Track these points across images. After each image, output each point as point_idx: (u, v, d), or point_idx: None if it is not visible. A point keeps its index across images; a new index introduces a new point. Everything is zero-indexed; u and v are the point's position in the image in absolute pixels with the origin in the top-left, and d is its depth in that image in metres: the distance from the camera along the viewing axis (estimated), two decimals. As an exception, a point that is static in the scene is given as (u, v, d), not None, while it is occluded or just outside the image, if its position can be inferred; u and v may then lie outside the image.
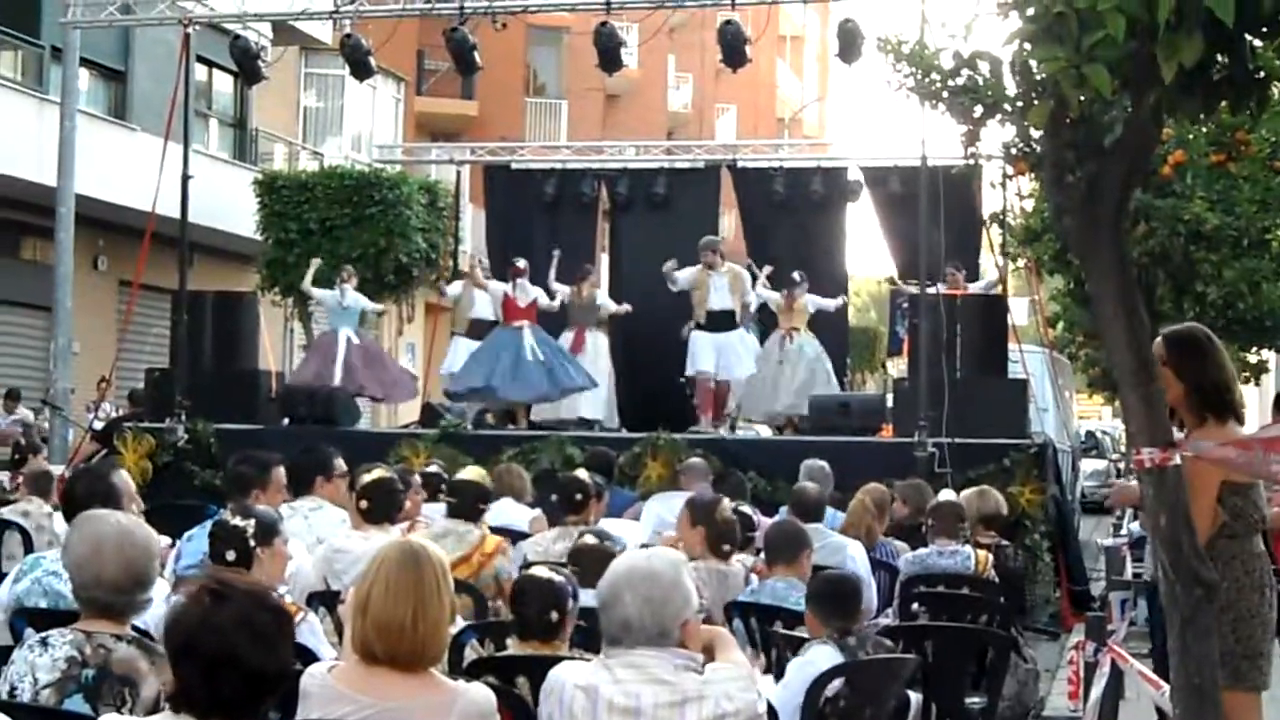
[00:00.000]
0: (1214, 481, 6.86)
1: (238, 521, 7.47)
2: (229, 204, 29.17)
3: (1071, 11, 5.31)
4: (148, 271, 22.50)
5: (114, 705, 5.48)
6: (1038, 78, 5.83)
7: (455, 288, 23.53)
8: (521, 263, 22.46)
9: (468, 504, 10.56)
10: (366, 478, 10.07)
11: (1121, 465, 37.22)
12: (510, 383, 21.29)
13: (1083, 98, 5.57)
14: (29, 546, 11.78)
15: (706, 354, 21.19)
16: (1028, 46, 5.84)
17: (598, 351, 22.53)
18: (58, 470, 19.09)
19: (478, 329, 22.54)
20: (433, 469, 13.78)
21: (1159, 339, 7.08)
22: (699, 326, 21.32)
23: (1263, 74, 5.78)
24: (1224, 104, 6.15)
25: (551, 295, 22.48)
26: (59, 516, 12.15)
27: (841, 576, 8.74)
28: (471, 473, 11.28)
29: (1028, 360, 21.60)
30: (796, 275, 22.36)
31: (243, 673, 4.30)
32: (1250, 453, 6.28)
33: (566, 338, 22.35)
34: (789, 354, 22.02)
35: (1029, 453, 17.72)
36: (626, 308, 22.61)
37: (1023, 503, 17.10)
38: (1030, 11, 5.64)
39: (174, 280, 21.46)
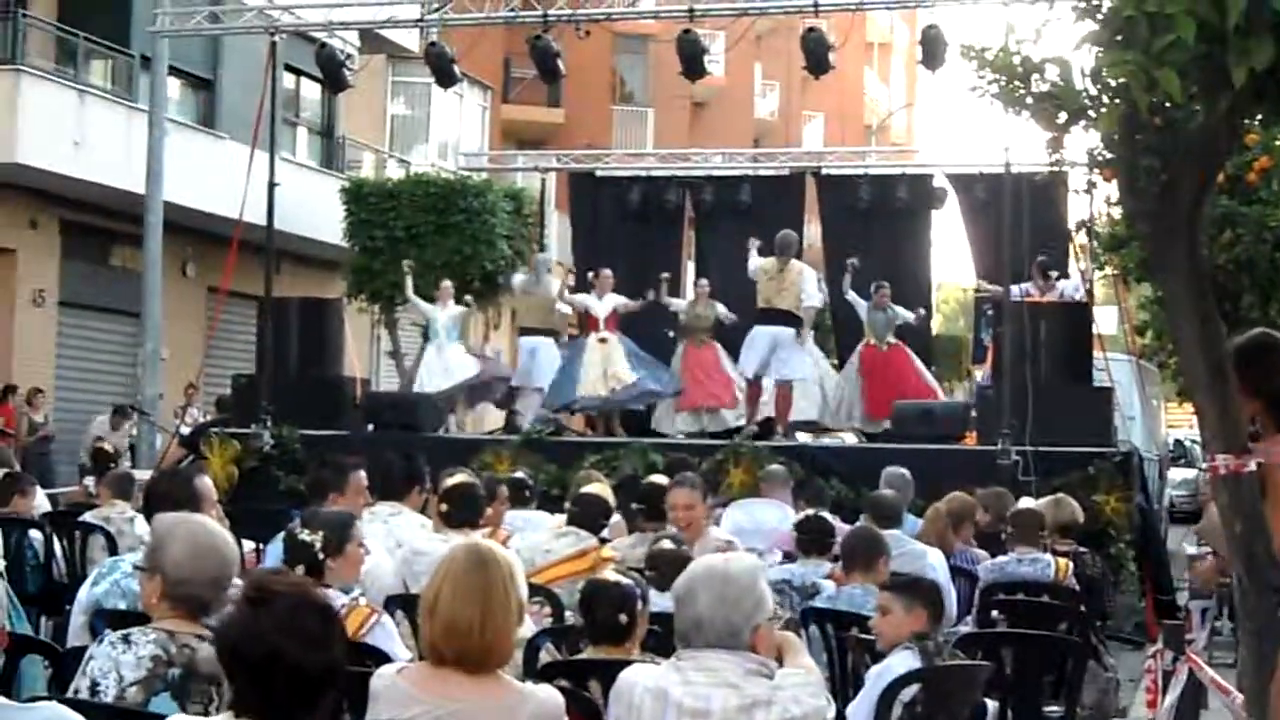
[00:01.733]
0: None
1: (305, 536, 7.51)
2: (316, 211, 29.36)
3: (1141, 15, 5.29)
4: (235, 278, 22.67)
5: (201, 704, 5.50)
6: (1109, 82, 5.81)
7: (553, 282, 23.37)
8: (605, 272, 22.56)
9: (589, 516, 10.70)
10: (449, 482, 10.17)
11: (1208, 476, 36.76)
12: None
13: (1154, 101, 5.55)
14: (113, 550, 11.88)
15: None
16: (1099, 52, 5.83)
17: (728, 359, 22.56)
18: (145, 475, 19.33)
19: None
20: (520, 474, 13.71)
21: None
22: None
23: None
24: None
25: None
26: (140, 520, 12.26)
27: (920, 578, 8.76)
28: (596, 488, 11.40)
29: (1114, 368, 21.45)
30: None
31: (290, 674, 4.29)
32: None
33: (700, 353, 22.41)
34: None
35: (1114, 461, 17.62)
36: (733, 317, 22.56)
37: (1108, 511, 17.01)
38: (1100, 16, 5.64)
39: (261, 287, 21.63)
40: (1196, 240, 6.43)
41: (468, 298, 24.59)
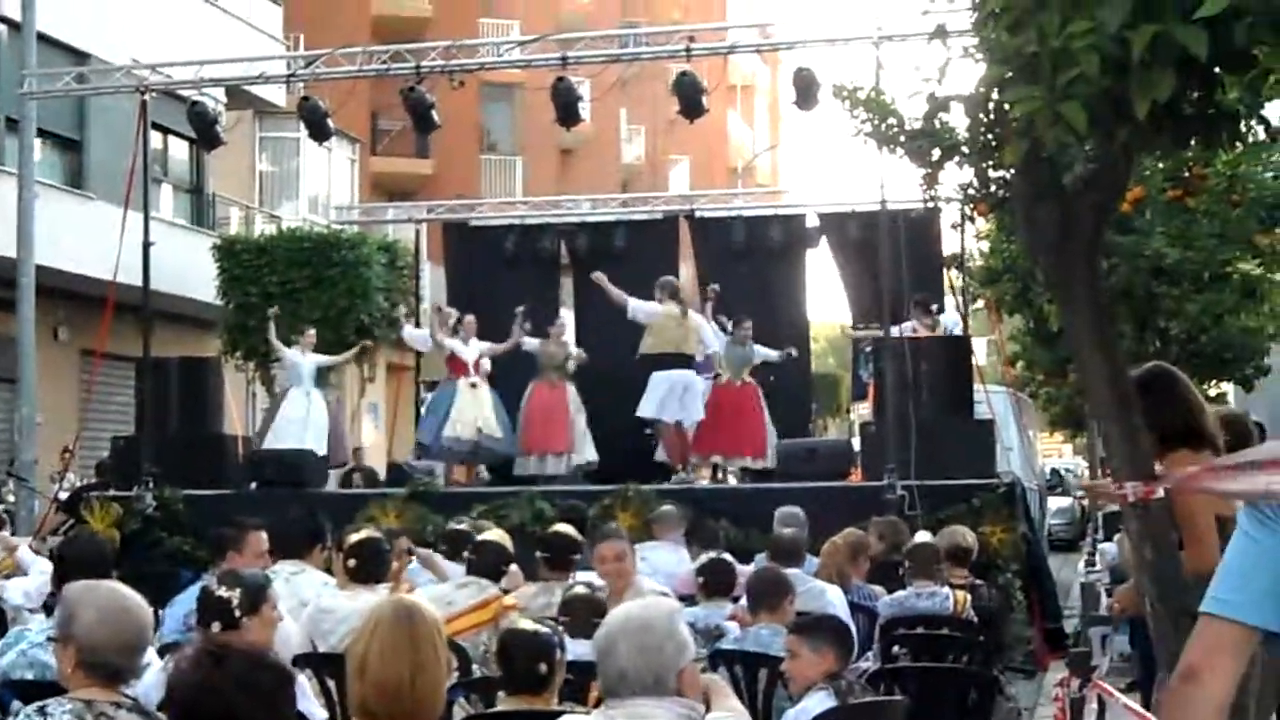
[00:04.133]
0: (1209, 512, 6.77)
1: (223, 592, 7.44)
2: (188, 270, 29.07)
3: (1045, 51, 5.36)
4: (109, 340, 22.43)
5: (120, 772, 5.45)
6: (1012, 118, 5.87)
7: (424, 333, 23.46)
8: (469, 318, 22.47)
9: (489, 563, 10.69)
10: (354, 537, 10.11)
11: (1086, 503, 37.38)
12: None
13: (1055, 137, 5.62)
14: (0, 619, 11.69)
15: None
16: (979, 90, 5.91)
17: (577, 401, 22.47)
18: (24, 541, 19.06)
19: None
20: (464, 526, 13.44)
21: None
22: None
23: (1236, 109, 5.83)
24: (1193, 140, 6.21)
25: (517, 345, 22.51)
26: (9, 586, 12.11)
27: (826, 615, 8.81)
28: (495, 534, 11.38)
29: (992, 400, 21.66)
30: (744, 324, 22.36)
31: None
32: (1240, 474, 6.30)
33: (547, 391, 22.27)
34: None
35: (997, 492, 17.77)
36: (583, 358, 22.57)
37: (994, 542, 17.11)
38: (1002, 54, 5.70)
39: (135, 348, 21.45)
40: (1097, 272, 6.52)
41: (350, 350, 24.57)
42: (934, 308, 22.25)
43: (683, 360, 21.02)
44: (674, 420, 21.02)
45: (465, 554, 11.40)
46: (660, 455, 21.86)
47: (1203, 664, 3.55)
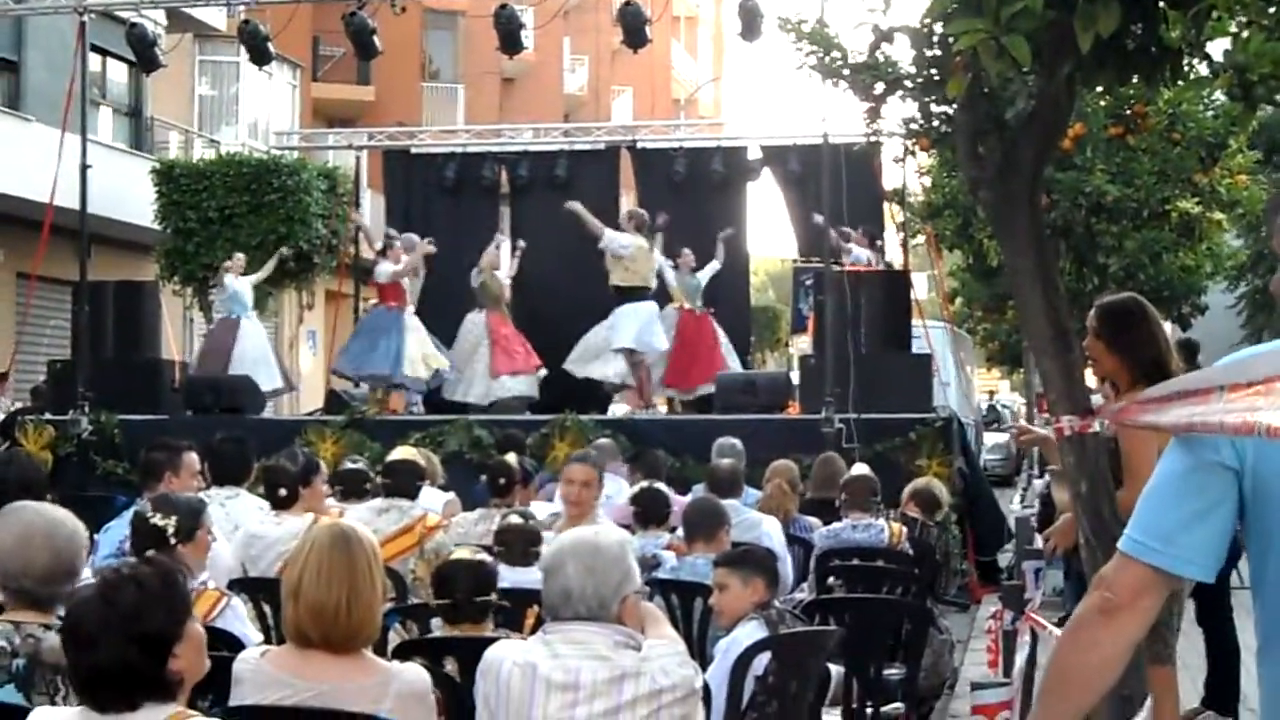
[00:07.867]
0: (1152, 449, 6.71)
1: (158, 520, 7.39)
2: (126, 193, 28.86)
3: (990, -17, 5.35)
4: (45, 263, 22.28)
5: (47, 695, 5.41)
6: (956, 51, 5.85)
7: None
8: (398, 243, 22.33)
9: (404, 482, 10.67)
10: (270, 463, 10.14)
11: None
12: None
13: (999, 70, 5.61)
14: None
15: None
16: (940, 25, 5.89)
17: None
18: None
19: None
20: (360, 465, 12.56)
21: (1093, 310, 7.04)
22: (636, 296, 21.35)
23: (1179, 45, 5.83)
24: (1136, 76, 6.21)
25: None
26: None
27: (751, 547, 8.84)
28: (405, 452, 11.34)
29: (930, 335, 21.74)
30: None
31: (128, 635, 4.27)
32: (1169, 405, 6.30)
33: (479, 320, 22.23)
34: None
35: (934, 426, 17.88)
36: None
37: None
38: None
39: (72, 271, 21.30)
40: (1038, 207, 6.53)
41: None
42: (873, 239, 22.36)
43: (647, 293, 21.04)
44: (646, 351, 21.02)
45: (379, 480, 11.28)
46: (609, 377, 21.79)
47: (1127, 603, 3.42)
